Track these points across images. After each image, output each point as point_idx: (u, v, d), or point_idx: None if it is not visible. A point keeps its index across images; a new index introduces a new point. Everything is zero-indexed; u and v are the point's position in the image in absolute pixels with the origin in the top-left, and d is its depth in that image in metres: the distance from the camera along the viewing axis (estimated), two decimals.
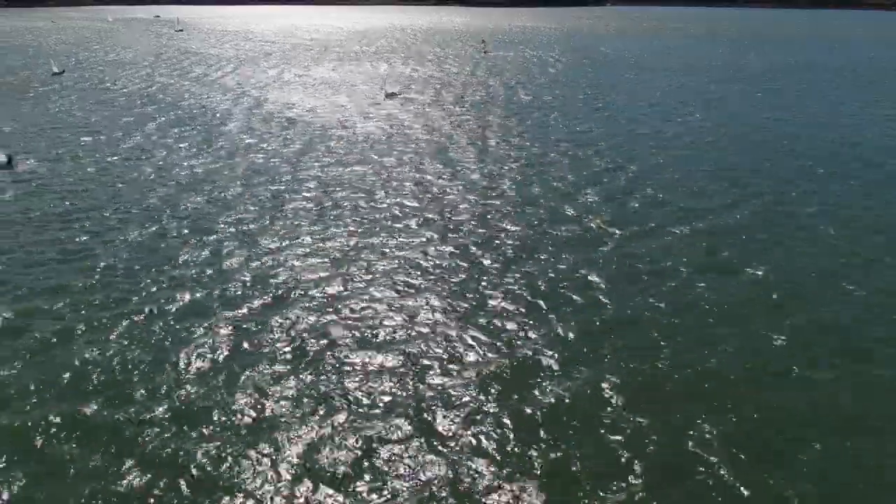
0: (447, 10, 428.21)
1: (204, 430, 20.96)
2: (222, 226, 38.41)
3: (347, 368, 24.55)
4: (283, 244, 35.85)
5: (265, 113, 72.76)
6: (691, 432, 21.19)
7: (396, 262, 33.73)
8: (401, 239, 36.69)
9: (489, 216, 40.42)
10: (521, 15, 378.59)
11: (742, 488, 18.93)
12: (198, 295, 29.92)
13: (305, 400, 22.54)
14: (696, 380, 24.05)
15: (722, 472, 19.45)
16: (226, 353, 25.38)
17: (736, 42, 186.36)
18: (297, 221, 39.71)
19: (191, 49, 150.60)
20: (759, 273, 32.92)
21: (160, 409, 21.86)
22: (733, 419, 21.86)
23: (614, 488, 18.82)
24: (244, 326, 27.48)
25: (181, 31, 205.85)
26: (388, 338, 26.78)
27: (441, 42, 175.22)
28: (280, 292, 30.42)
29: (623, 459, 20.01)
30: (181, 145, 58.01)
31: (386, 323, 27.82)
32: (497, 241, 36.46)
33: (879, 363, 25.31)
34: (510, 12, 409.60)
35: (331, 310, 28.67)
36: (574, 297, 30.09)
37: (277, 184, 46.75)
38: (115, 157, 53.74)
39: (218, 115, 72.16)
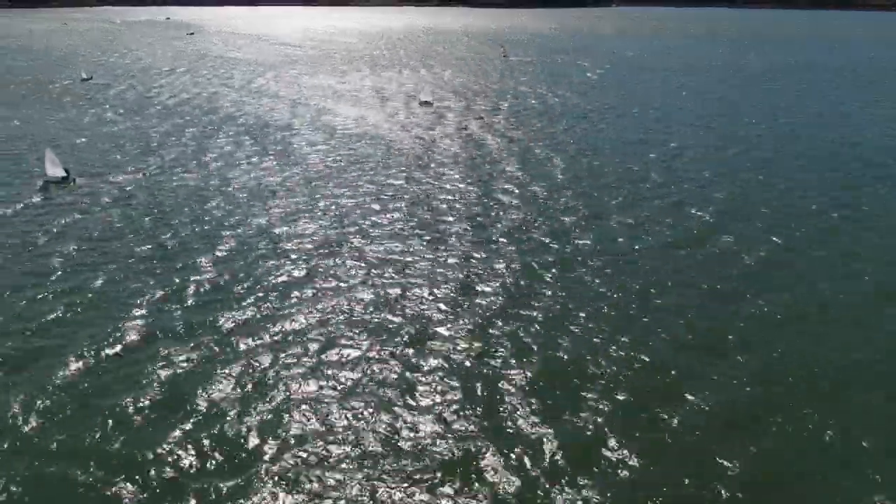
0: (449, 12, 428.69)
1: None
2: (293, 244, 37.98)
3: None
4: (363, 260, 35.91)
5: (320, 124, 72.15)
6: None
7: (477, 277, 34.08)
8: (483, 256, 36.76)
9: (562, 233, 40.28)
10: (521, 16, 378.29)
11: None
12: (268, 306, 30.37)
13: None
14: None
15: None
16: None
17: (737, 41, 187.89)
18: (367, 237, 39.23)
19: (210, 53, 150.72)
20: None
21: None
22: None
23: None
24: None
25: (192, 34, 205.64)
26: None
27: (458, 46, 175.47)
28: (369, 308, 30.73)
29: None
30: (237, 155, 58.17)
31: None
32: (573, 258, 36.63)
33: None
34: (512, 13, 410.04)
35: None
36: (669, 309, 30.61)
37: (347, 197, 46.88)
38: (175, 171, 53.31)
39: (272, 126, 71.00)
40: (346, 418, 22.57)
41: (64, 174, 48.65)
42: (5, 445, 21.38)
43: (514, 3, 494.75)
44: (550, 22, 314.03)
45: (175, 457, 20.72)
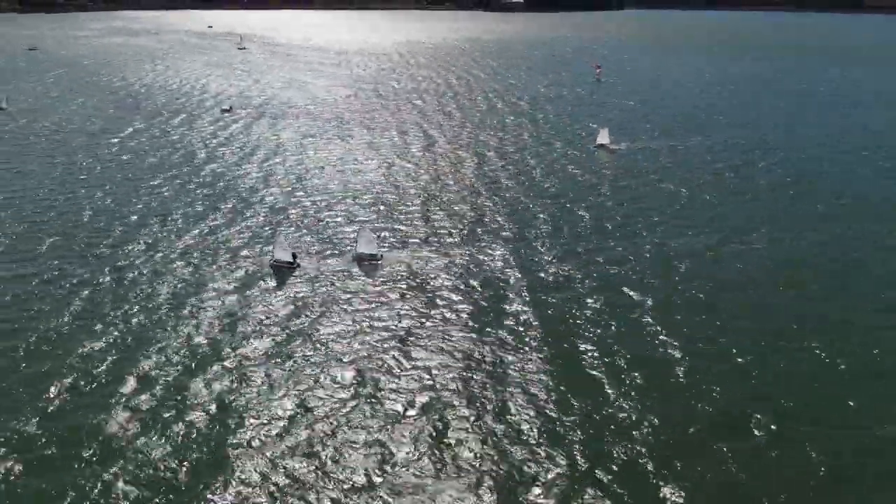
0: (472, 17, 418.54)
1: None
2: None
3: None
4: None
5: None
6: None
7: None
8: None
9: None
10: (542, 20, 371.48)
11: None
12: None
13: None
14: None
15: None
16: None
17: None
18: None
19: (310, 80, 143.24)
20: None
21: None
22: None
23: None
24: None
25: (244, 48, 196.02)
26: None
27: (540, 63, 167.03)
28: None
29: None
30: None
31: None
32: None
33: None
34: (532, 17, 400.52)
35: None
36: None
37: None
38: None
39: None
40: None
41: (289, 260, 45.37)
42: None
43: (531, 7, 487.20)
44: (586, 29, 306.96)
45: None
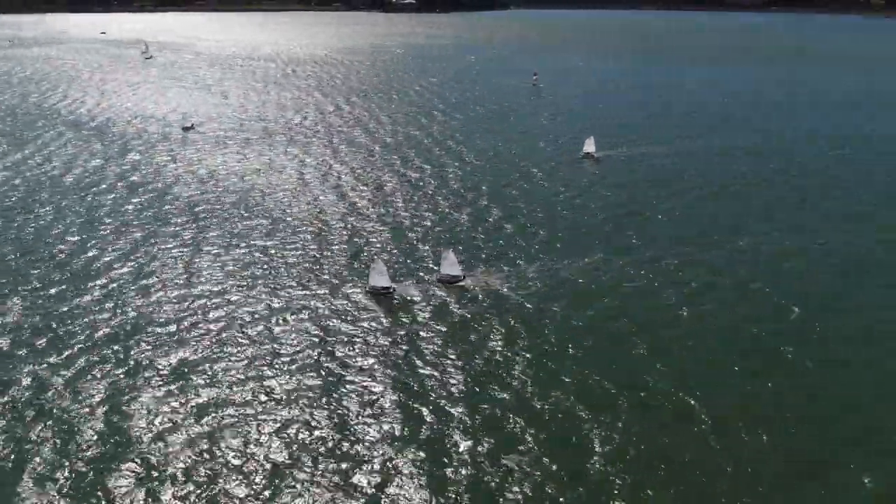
0: (371, 19, 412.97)
1: None
2: None
3: None
4: None
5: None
6: None
7: None
8: None
9: None
10: (443, 21, 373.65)
11: None
12: None
13: None
14: None
15: None
16: None
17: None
18: None
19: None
20: None
21: None
22: None
23: None
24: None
25: (151, 57, 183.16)
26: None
27: (480, 71, 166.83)
28: None
29: None
30: None
31: None
32: None
33: None
34: (431, 19, 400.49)
35: None
36: None
37: None
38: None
39: None
40: None
41: (388, 285, 44.47)
42: None
43: (423, 8, 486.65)
44: (480, 30, 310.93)
45: None
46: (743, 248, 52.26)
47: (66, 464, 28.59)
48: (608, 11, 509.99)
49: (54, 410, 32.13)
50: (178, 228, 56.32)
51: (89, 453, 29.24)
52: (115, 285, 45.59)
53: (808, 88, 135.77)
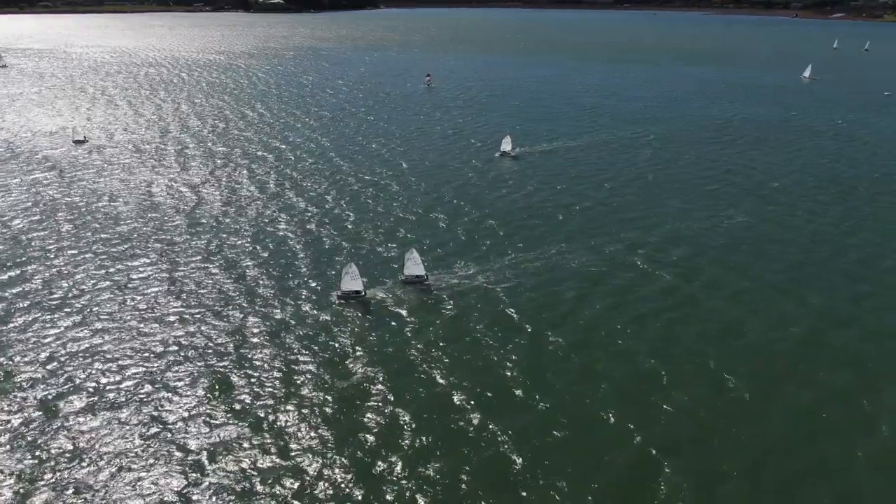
0: (237, 18, 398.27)
1: None
2: None
3: None
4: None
5: None
6: None
7: None
8: None
9: None
10: (314, 22, 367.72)
11: None
12: None
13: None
14: None
15: None
16: None
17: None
18: None
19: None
20: None
21: None
22: None
23: None
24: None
25: (4, 66, 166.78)
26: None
27: (370, 77, 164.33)
28: None
29: None
30: None
31: None
32: None
33: None
34: (302, 19, 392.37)
35: None
36: None
37: None
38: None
39: None
40: None
41: (360, 289, 45.19)
42: None
43: (292, 7, 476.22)
44: (358, 29, 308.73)
45: None
46: (659, 231, 57.54)
47: None
48: (479, 10, 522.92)
49: None
50: (110, 248, 52.99)
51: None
52: (47, 317, 42.54)
53: (677, 79, 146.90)
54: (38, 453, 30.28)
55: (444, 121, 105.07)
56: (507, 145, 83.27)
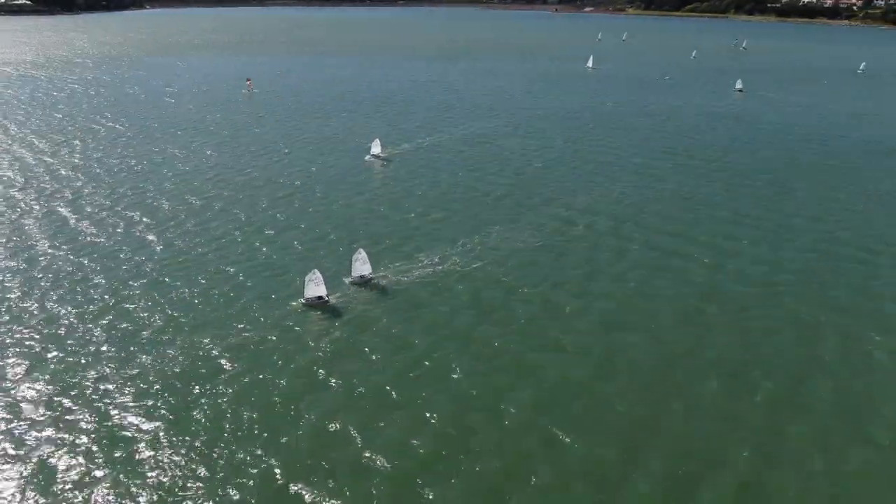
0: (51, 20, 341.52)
1: None
2: None
3: None
4: None
5: None
6: None
7: None
8: None
9: None
10: (73, 25, 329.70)
11: None
12: None
13: None
14: None
15: None
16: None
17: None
18: None
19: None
20: None
21: None
22: None
23: None
24: None
25: None
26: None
27: (173, 85, 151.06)
28: None
29: None
30: None
31: None
32: None
33: None
34: (54, 22, 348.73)
35: None
36: None
37: None
38: None
39: None
40: None
41: (323, 295, 44.61)
42: None
43: (41, 9, 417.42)
44: (132, 32, 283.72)
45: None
46: (542, 216, 62.55)
47: None
48: (256, 9, 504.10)
49: None
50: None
51: None
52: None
53: (499, 75, 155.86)
54: None
55: (273, 130, 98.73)
56: (376, 148, 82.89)
